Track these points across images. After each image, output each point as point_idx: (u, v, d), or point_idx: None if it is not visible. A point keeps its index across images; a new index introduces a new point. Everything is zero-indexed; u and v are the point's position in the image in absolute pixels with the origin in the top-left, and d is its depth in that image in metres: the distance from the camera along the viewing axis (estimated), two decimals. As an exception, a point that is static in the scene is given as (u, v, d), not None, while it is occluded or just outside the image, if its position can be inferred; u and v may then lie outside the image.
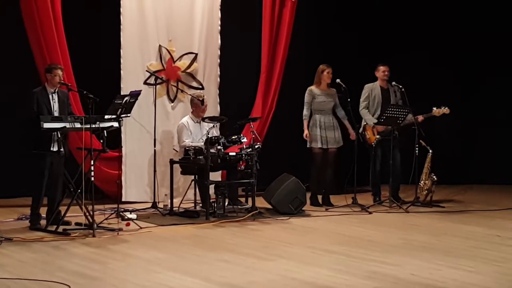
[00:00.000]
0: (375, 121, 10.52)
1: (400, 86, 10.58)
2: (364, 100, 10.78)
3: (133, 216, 9.19)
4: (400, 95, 10.61)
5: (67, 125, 8.27)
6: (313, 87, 10.56)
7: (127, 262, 6.94)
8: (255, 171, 9.54)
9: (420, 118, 10.48)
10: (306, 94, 10.54)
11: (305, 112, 10.53)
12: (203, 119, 9.99)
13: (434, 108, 10.51)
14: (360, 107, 10.75)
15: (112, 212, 9.22)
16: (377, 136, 10.58)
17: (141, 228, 8.60)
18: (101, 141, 8.49)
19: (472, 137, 13.09)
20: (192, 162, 9.58)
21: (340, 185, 10.67)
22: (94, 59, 10.59)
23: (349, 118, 10.47)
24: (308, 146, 10.53)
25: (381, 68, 10.73)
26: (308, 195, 10.30)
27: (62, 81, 8.65)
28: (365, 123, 10.70)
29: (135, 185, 10.78)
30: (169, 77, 10.95)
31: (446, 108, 10.49)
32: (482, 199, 11.41)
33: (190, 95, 10.47)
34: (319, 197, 10.59)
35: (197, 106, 10.16)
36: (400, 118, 10.27)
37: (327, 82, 10.52)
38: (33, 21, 9.88)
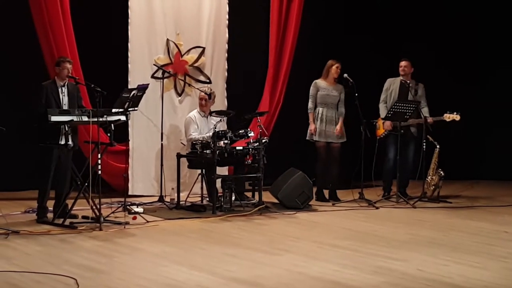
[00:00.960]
0: (384, 116, 10.53)
1: (408, 82, 10.56)
2: (383, 93, 10.83)
3: (140, 209, 9.21)
4: (423, 93, 10.61)
5: (75, 118, 8.28)
6: (318, 80, 10.57)
7: (134, 255, 6.95)
8: (262, 166, 9.54)
9: (430, 120, 10.43)
10: (311, 87, 10.56)
11: (310, 105, 10.54)
12: (211, 113, 10.00)
13: (446, 114, 10.45)
14: (380, 100, 10.80)
15: (119, 205, 9.24)
16: (386, 131, 10.57)
17: (147, 221, 8.60)
18: (108, 134, 8.49)
19: (480, 133, 13.05)
20: (199, 156, 9.59)
21: (347, 180, 10.66)
22: (102, 53, 10.59)
23: (356, 113, 10.44)
24: (307, 138, 10.52)
25: (401, 63, 10.70)
26: (315, 190, 10.29)
27: (70, 75, 8.66)
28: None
29: (142, 179, 10.79)
30: (176, 71, 10.96)
31: (457, 115, 10.41)
32: (490, 195, 11.39)
33: (198, 88, 10.47)
34: (326, 192, 10.59)
35: (200, 100, 10.20)
36: (407, 113, 10.25)
37: (335, 77, 10.51)
38: (41, 14, 9.89)
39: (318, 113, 10.50)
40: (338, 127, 10.48)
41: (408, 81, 10.60)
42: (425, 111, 10.56)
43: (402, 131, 10.43)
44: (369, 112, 10.67)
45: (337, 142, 10.52)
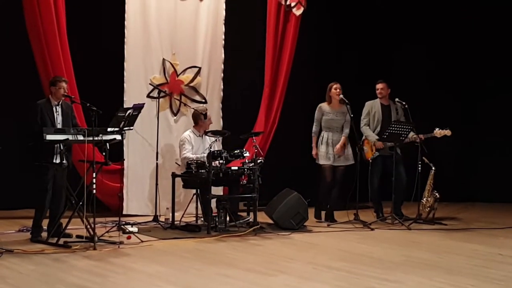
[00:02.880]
0: (377, 137, 10.51)
1: (404, 103, 10.57)
2: (365, 117, 10.78)
3: (134, 229, 9.18)
4: (403, 112, 10.59)
5: (70, 137, 8.27)
6: (323, 104, 10.55)
7: (128, 275, 6.92)
8: (257, 186, 9.53)
9: (421, 137, 10.45)
10: (316, 111, 10.54)
11: (314, 129, 10.52)
12: (206, 133, 10.00)
13: (436, 129, 10.48)
14: (361, 124, 10.74)
15: (113, 225, 9.21)
16: (375, 153, 10.57)
17: (142, 241, 8.58)
18: (103, 153, 8.49)
19: (475, 155, 13.07)
20: (194, 176, 9.57)
21: (342, 201, 10.64)
22: (98, 72, 10.60)
23: (351, 134, 10.44)
24: (317, 162, 10.51)
25: (377, 85, 10.74)
26: (311, 210, 10.25)
27: (66, 94, 8.65)
28: (364, 138, 10.70)
29: (137, 198, 10.77)
30: (172, 90, 10.97)
31: (447, 130, 10.44)
32: (485, 217, 11.39)
33: (193, 108, 10.47)
34: (322, 213, 10.57)
35: (201, 120, 10.18)
36: (403, 135, 10.26)
37: (337, 99, 10.48)
38: (37, 33, 9.89)
39: (323, 137, 10.49)
40: (338, 145, 10.47)
41: (402, 102, 10.56)
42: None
43: (392, 152, 10.42)
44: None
45: (342, 165, 10.49)
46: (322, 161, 10.47)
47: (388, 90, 10.73)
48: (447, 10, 12.96)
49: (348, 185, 10.26)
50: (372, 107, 10.76)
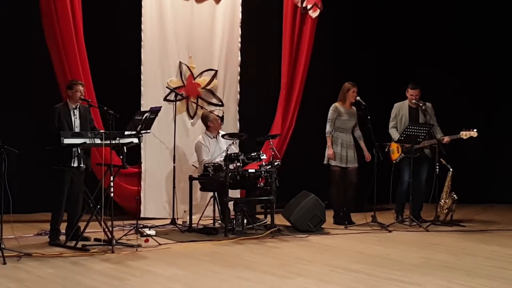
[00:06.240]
0: (397, 139, 10.49)
1: (421, 104, 10.52)
2: (392, 119, 10.74)
3: (152, 232, 9.20)
4: (432, 112, 10.53)
5: (87, 140, 8.30)
6: (338, 105, 10.49)
7: (146, 278, 6.93)
8: (274, 188, 9.52)
9: (446, 139, 10.40)
10: (331, 111, 10.46)
11: (329, 129, 10.43)
12: (223, 136, 10.00)
13: (462, 131, 10.40)
14: (389, 126, 10.73)
15: (131, 228, 9.23)
16: (401, 155, 10.52)
17: (160, 244, 8.59)
18: (121, 157, 8.50)
19: (493, 156, 13.00)
20: (211, 178, 9.58)
21: (359, 203, 10.61)
22: (115, 75, 10.63)
23: (368, 136, 10.39)
24: (325, 163, 10.46)
25: (410, 91, 10.61)
26: (328, 213, 10.22)
27: (83, 97, 8.68)
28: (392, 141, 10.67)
29: (154, 201, 10.78)
30: (189, 93, 10.98)
31: (474, 131, 10.36)
32: (503, 219, 11.33)
33: (210, 111, 10.48)
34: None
35: (210, 122, 10.20)
36: (420, 136, 10.21)
37: (351, 101, 10.46)
38: (55, 36, 9.93)
39: (337, 138, 10.43)
40: (366, 153, 10.51)
41: (421, 104, 10.54)
42: (438, 130, 10.50)
43: (418, 153, 10.40)
44: (380, 135, 10.64)
45: (354, 166, 10.46)
46: (332, 162, 10.43)
47: (420, 94, 10.65)
48: (464, 7, 12.94)
49: (365, 186, 10.24)
50: (400, 110, 10.70)
